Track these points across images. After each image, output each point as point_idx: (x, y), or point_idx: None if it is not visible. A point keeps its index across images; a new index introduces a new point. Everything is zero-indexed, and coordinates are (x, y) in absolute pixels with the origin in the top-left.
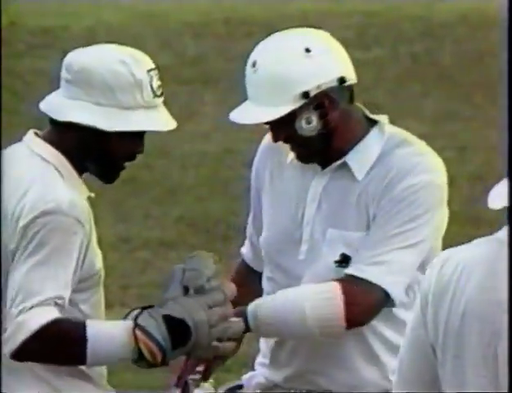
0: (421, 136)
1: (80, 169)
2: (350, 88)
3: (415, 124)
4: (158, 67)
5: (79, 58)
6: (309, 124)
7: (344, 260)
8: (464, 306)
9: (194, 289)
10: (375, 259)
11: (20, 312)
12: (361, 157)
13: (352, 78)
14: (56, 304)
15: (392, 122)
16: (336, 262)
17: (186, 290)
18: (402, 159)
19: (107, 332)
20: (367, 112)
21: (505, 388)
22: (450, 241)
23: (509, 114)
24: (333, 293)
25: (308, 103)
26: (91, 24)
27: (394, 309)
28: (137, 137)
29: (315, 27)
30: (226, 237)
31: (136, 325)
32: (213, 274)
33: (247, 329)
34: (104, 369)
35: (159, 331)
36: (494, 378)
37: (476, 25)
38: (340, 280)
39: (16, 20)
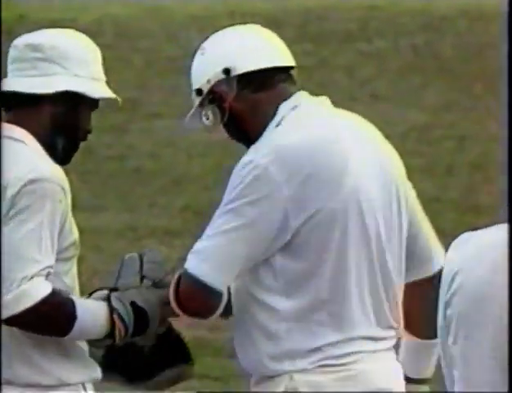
0: (422, 126)
1: (48, 149)
2: (259, 75)
3: (416, 114)
4: (164, 59)
5: (46, 38)
6: (208, 119)
7: None
8: (479, 288)
9: (152, 281)
10: (194, 247)
11: (22, 280)
12: None
13: (245, 67)
14: (49, 273)
15: (394, 112)
16: None
17: (141, 280)
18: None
19: (92, 312)
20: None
21: None
22: (449, 229)
23: (509, 109)
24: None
25: (204, 99)
26: (98, 18)
27: (266, 297)
28: (91, 113)
29: (318, 20)
30: None
31: (112, 309)
32: (169, 270)
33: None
34: (84, 345)
35: (128, 316)
36: (503, 360)
37: (475, 18)
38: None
39: (24, 14)
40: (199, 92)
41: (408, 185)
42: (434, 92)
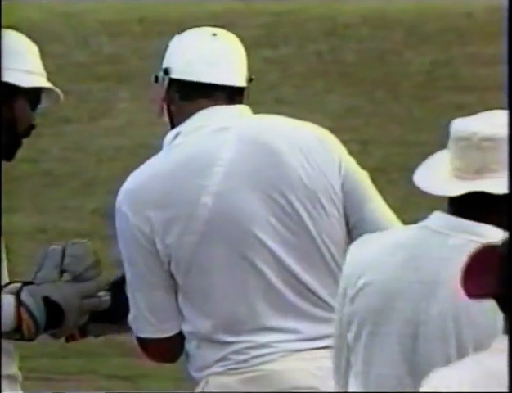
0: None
1: None
2: (185, 85)
3: (320, 118)
4: (75, 64)
5: None
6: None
7: None
8: (386, 285)
9: (72, 275)
10: (130, 316)
11: None
12: None
13: (175, 73)
14: None
15: (298, 117)
16: None
17: (61, 273)
18: None
19: None
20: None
21: (423, 365)
22: None
23: (510, 108)
24: None
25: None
26: (12, 23)
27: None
28: (32, 107)
29: (226, 26)
30: None
31: (20, 302)
32: (91, 264)
33: None
34: (13, 351)
35: (38, 311)
36: (410, 353)
37: (377, 26)
38: None
39: None
40: (155, 78)
41: (338, 177)
42: (337, 97)
